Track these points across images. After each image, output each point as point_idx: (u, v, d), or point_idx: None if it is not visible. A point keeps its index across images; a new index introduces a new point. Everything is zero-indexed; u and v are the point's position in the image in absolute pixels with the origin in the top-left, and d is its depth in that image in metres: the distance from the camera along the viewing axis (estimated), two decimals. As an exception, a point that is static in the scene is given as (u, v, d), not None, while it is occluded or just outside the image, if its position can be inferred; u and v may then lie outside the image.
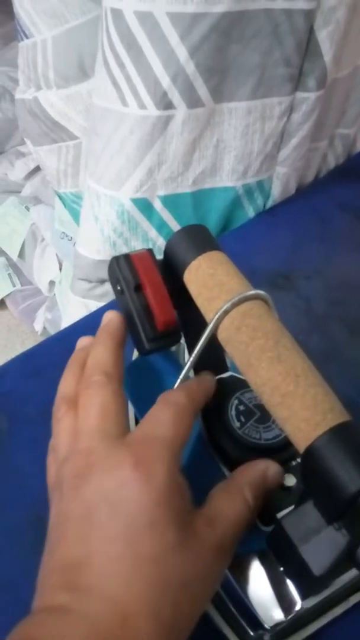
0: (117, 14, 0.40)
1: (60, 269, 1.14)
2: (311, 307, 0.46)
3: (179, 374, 0.29)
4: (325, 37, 0.43)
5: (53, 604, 0.22)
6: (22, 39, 0.68)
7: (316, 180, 0.59)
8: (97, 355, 0.29)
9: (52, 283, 1.16)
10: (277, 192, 0.53)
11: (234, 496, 0.26)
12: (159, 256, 0.55)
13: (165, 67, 0.40)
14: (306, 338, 0.44)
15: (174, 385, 0.28)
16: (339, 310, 0.46)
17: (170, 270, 0.30)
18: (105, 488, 0.24)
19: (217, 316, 0.26)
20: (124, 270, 0.30)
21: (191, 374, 0.32)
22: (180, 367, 0.32)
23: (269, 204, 0.54)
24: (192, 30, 0.39)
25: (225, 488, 0.26)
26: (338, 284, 0.48)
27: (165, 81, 0.41)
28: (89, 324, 0.47)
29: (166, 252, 0.31)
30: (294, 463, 0.30)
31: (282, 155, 0.49)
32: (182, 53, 0.40)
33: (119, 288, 0.31)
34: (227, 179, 0.48)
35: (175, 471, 0.24)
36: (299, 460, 0.30)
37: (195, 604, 0.23)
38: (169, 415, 0.26)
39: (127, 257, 0.30)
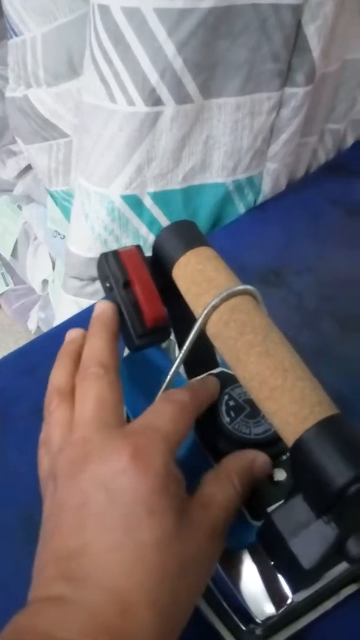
0: (105, 10, 0.40)
1: (54, 268, 1.14)
2: (302, 303, 0.46)
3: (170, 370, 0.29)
4: (313, 32, 0.43)
5: (50, 594, 0.22)
6: (12, 37, 0.67)
7: (306, 176, 0.59)
8: (92, 346, 0.29)
9: (45, 282, 1.16)
10: (267, 188, 0.53)
11: (223, 483, 0.26)
12: (150, 253, 0.55)
13: (153, 63, 0.40)
14: (297, 334, 0.44)
15: (164, 381, 0.28)
16: (330, 306, 0.46)
17: (159, 266, 0.30)
18: (102, 477, 0.24)
19: (205, 311, 0.26)
20: (112, 266, 0.30)
21: (181, 369, 0.32)
22: (170, 363, 0.32)
23: (260, 199, 0.54)
24: (180, 25, 0.39)
25: (215, 476, 0.26)
26: (329, 280, 0.48)
27: (154, 77, 0.41)
28: (81, 321, 0.46)
29: (155, 248, 0.31)
30: (284, 457, 0.30)
31: (272, 151, 0.50)
32: (169, 49, 0.39)
33: (107, 285, 0.31)
34: (217, 175, 0.48)
35: (171, 462, 0.25)
36: (288, 454, 0.30)
37: (191, 591, 0.23)
38: (170, 411, 0.26)
39: (115, 253, 0.30)
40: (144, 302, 0.29)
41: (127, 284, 0.30)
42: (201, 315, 0.27)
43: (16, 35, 0.66)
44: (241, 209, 0.53)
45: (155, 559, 0.22)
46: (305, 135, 0.52)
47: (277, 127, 0.48)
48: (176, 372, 0.29)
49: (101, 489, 0.23)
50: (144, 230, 0.51)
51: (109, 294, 0.31)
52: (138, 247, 0.31)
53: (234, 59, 0.42)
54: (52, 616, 0.21)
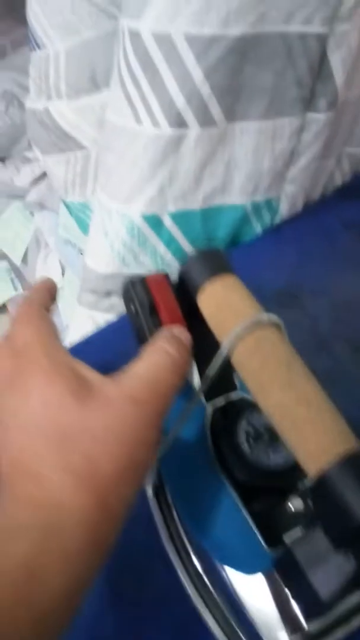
0: (135, 35, 0.40)
1: (63, 275, 1.14)
2: (317, 326, 0.47)
3: (189, 392, 0.29)
4: (337, 60, 0.43)
5: None
6: (35, 49, 0.68)
7: (323, 198, 0.59)
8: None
9: (54, 288, 1.16)
10: (284, 210, 0.53)
11: (149, 353, 0.27)
12: (167, 269, 0.55)
13: (180, 87, 0.41)
14: (312, 356, 0.45)
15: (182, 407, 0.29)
16: (345, 328, 0.47)
17: (185, 292, 0.31)
18: (10, 394, 0.26)
19: (230, 341, 0.27)
20: (139, 292, 0.30)
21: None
22: (189, 385, 0.32)
23: (277, 220, 0.54)
24: (208, 52, 0.39)
25: (141, 354, 0.27)
26: (343, 303, 0.49)
27: (180, 101, 0.41)
28: (97, 341, 0.47)
29: (181, 275, 0.31)
30: (301, 485, 0.30)
31: (291, 174, 0.50)
32: (197, 74, 0.40)
33: (133, 308, 0.31)
34: (236, 196, 0.49)
35: (56, 353, 0.26)
36: (305, 482, 0.30)
37: (110, 449, 0.24)
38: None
39: (142, 279, 0.31)
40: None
41: (153, 310, 0.30)
42: (226, 345, 0.27)
43: (39, 48, 0.67)
44: (258, 229, 0.54)
45: (57, 432, 0.24)
46: (324, 159, 0.53)
47: (298, 151, 0.48)
48: (198, 398, 0.29)
49: (16, 395, 0.25)
50: (161, 248, 0.51)
51: (134, 317, 0.31)
52: (165, 274, 0.31)
53: (259, 84, 0.42)
54: None
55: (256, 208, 0.51)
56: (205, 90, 0.41)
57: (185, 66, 0.40)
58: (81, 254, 1.02)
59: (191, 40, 0.39)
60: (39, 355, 0.26)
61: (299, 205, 0.55)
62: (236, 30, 0.39)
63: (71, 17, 0.61)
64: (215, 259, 0.31)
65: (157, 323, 0.30)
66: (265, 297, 0.48)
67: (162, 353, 0.27)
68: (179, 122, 0.42)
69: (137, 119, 0.43)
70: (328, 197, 0.60)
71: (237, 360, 0.27)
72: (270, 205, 0.52)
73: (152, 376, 0.26)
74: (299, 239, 0.54)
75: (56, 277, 1.15)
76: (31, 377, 0.25)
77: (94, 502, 0.23)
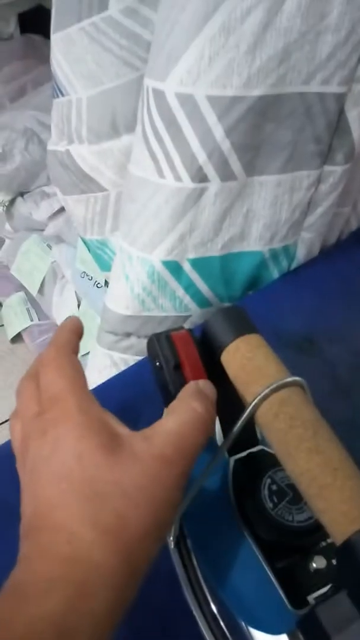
0: (159, 94, 0.42)
1: (79, 307, 1.16)
2: (335, 372, 0.47)
3: (212, 445, 0.30)
4: (355, 117, 0.45)
5: (18, 558, 0.24)
6: (58, 96, 0.71)
7: (339, 242, 0.60)
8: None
9: (69, 319, 1.18)
10: (301, 255, 0.54)
11: (177, 411, 0.27)
12: (186, 312, 0.56)
13: (202, 144, 0.42)
14: (331, 404, 0.45)
15: (204, 462, 0.29)
16: (363, 376, 0.47)
17: (208, 350, 0.31)
18: (40, 444, 0.26)
19: (255, 402, 0.27)
20: (164, 348, 0.31)
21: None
22: (212, 441, 0.33)
23: (293, 265, 0.55)
24: (230, 111, 0.41)
25: (169, 410, 0.28)
26: (361, 349, 0.49)
27: (202, 157, 0.43)
28: (117, 383, 0.48)
29: (204, 332, 0.32)
30: (323, 544, 0.30)
31: (308, 222, 0.51)
32: (219, 132, 0.42)
33: (157, 364, 0.32)
34: (255, 244, 0.50)
35: (89, 405, 0.27)
36: (329, 541, 0.30)
37: (139, 508, 0.24)
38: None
39: (168, 336, 0.31)
40: (193, 386, 0.30)
41: (177, 366, 0.31)
42: (250, 405, 0.28)
43: (62, 95, 0.69)
44: (275, 274, 0.55)
45: (87, 490, 0.24)
46: (340, 206, 0.54)
47: (315, 201, 0.49)
48: (221, 456, 0.30)
49: (47, 446, 0.26)
50: (180, 292, 0.52)
51: (158, 372, 0.32)
52: (189, 331, 0.32)
53: (278, 140, 0.44)
54: (15, 574, 0.23)
55: (274, 254, 0.52)
56: (225, 146, 0.42)
57: (207, 124, 0.42)
58: (97, 286, 1.04)
59: (213, 100, 0.41)
60: (71, 408, 0.27)
61: (316, 251, 0.56)
62: (257, 91, 0.40)
63: (94, 67, 0.63)
64: (239, 317, 0.32)
65: (181, 379, 0.31)
66: (283, 343, 0.49)
67: (189, 410, 0.27)
68: (201, 177, 0.44)
69: (160, 173, 0.45)
70: (344, 241, 0.61)
71: (262, 421, 0.28)
72: (288, 251, 0.53)
73: (180, 434, 0.26)
74: (315, 283, 0.55)
75: (72, 308, 1.17)
76: (64, 430, 0.26)
77: (121, 562, 0.23)
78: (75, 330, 0.32)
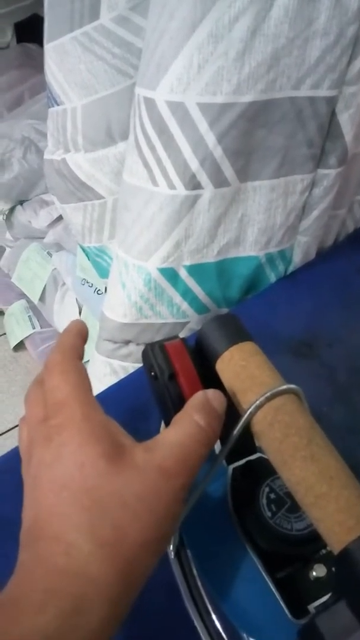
0: (150, 103, 0.42)
1: (80, 314, 1.16)
2: (334, 376, 0.47)
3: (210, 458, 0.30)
4: (346, 120, 0.45)
5: (16, 567, 0.24)
6: (53, 106, 0.71)
7: (335, 245, 0.60)
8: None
9: (71, 326, 1.18)
10: (297, 259, 0.54)
11: (180, 423, 0.27)
12: (183, 319, 0.56)
13: (194, 151, 0.42)
14: (329, 408, 0.45)
15: (203, 470, 0.29)
16: (362, 378, 0.47)
17: (203, 358, 0.31)
18: (44, 450, 0.26)
19: (249, 410, 0.27)
20: (158, 358, 0.31)
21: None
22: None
23: (290, 269, 0.55)
24: (221, 118, 0.41)
25: (173, 422, 0.28)
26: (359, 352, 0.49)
27: (194, 164, 0.43)
28: (117, 392, 0.48)
29: (198, 341, 0.32)
30: (323, 551, 0.30)
31: (303, 226, 0.51)
32: (210, 139, 0.42)
33: (152, 374, 0.32)
34: (250, 249, 0.50)
35: (93, 412, 0.27)
36: (328, 549, 0.30)
37: (138, 519, 0.24)
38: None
39: (162, 346, 0.31)
40: (188, 395, 0.30)
41: (172, 376, 0.31)
42: (245, 414, 0.27)
43: (57, 104, 0.69)
44: (272, 278, 0.55)
45: (87, 500, 0.24)
46: (335, 209, 0.54)
47: (309, 205, 0.49)
48: (219, 465, 0.29)
49: (51, 453, 0.26)
50: (177, 298, 0.52)
51: (154, 382, 0.32)
52: (183, 340, 0.32)
53: (270, 145, 0.44)
54: (11, 583, 0.23)
55: (270, 258, 0.52)
56: (218, 153, 0.42)
57: (199, 132, 0.42)
58: (97, 293, 1.04)
59: (204, 108, 0.41)
60: (76, 414, 0.26)
61: (312, 254, 0.56)
62: (247, 97, 0.40)
63: (88, 76, 0.63)
64: (232, 325, 0.32)
65: (177, 389, 0.31)
66: (281, 346, 0.49)
67: (192, 423, 0.27)
68: (194, 184, 0.44)
69: (153, 181, 0.45)
70: (340, 243, 0.60)
71: (257, 430, 0.28)
72: (284, 255, 0.53)
73: (182, 447, 0.26)
74: (313, 286, 0.55)
75: (73, 315, 1.17)
76: (68, 436, 0.26)
77: (118, 576, 0.23)
78: (80, 334, 0.32)
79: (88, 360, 0.74)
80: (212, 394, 0.29)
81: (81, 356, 0.31)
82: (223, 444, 0.29)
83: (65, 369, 0.29)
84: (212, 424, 0.27)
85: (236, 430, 0.28)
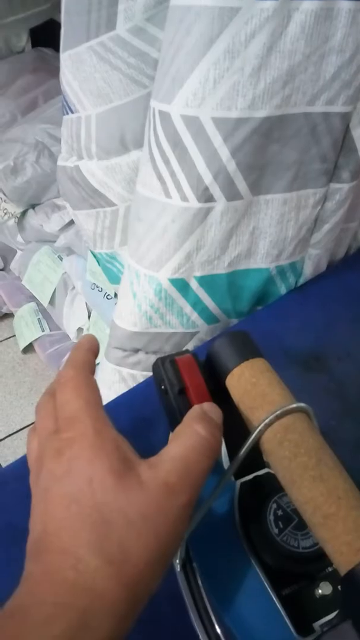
0: (165, 116, 0.43)
1: (89, 317, 1.17)
2: (343, 390, 0.47)
3: (218, 468, 0.30)
4: (360, 135, 0.45)
5: (23, 577, 0.25)
6: (67, 113, 0.72)
7: (346, 257, 0.60)
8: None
9: (80, 330, 1.19)
10: (308, 271, 0.54)
11: (182, 436, 0.27)
12: (193, 329, 0.56)
13: (208, 165, 0.43)
14: (338, 423, 0.45)
15: (211, 484, 0.29)
16: (371, 393, 0.47)
17: (213, 373, 0.32)
18: (55, 463, 0.27)
19: (259, 428, 0.28)
20: (169, 372, 0.31)
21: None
22: (219, 463, 0.33)
23: (301, 281, 0.55)
24: (235, 133, 0.41)
25: (175, 435, 0.28)
26: (369, 366, 0.49)
27: (208, 178, 0.43)
28: (127, 401, 0.48)
29: (209, 356, 0.32)
30: (329, 569, 0.30)
31: (315, 239, 0.51)
32: (224, 153, 0.42)
33: (163, 388, 0.32)
34: (261, 261, 0.50)
35: (103, 427, 0.27)
36: (334, 567, 0.30)
37: (142, 538, 0.24)
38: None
39: (172, 360, 0.32)
40: (198, 410, 0.31)
41: (182, 391, 0.31)
42: (255, 431, 0.28)
43: (72, 112, 0.70)
44: (282, 290, 0.55)
45: (96, 517, 0.24)
46: (347, 222, 0.54)
47: (321, 218, 0.49)
48: (228, 480, 0.30)
49: (61, 466, 0.26)
50: (187, 309, 0.53)
51: (164, 396, 0.32)
52: (194, 355, 0.32)
53: (283, 160, 0.44)
54: (19, 593, 0.24)
55: (281, 271, 0.52)
56: (231, 167, 0.43)
57: (213, 146, 0.42)
58: (107, 298, 1.04)
59: (218, 122, 0.41)
60: (88, 429, 0.27)
61: (323, 266, 0.56)
62: (262, 112, 0.41)
63: (103, 85, 0.64)
64: (243, 341, 0.32)
65: (186, 403, 0.31)
66: (291, 360, 0.49)
67: (193, 434, 0.27)
68: (207, 197, 0.44)
69: (167, 194, 0.45)
70: (352, 256, 0.60)
71: (266, 448, 0.28)
72: (295, 267, 0.53)
73: (185, 460, 0.26)
74: (323, 299, 0.55)
75: (83, 319, 1.18)
76: (79, 450, 0.26)
77: (124, 592, 0.24)
78: (92, 349, 0.33)
79: (98, 363, 0.74)
80: (207, 406, 0.29)
81: (93, 371, 0.31)
82: (232, 458, 0.29)
83: (77, 384, 0.29)
84: (213, 432, 0.27)
85: (245, 447, 0.28)
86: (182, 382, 0.31)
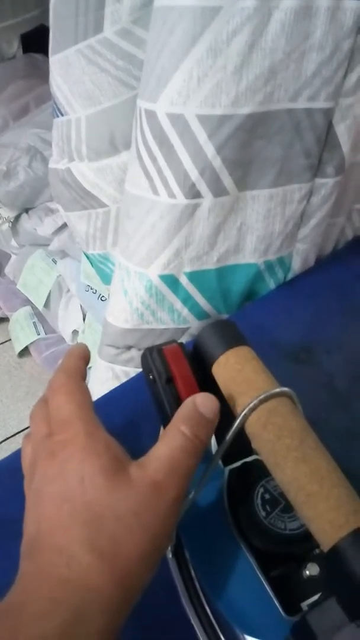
0: (151, 115, 0.44)
1: (84, 320, 1.17)
2: (333, 383, 0.48)
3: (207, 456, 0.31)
4: (343, 131, 0.46)
5: (17, 576, 0.25)
6: (57, 116, 0.72)
7: (334, 252, 0.61)
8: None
9: (75, 332, 1.20)
10: (296, 266, 0.55)
11: (168, 436, 0.28)
12: (184, 324, 0.57)
13: (194, 162, 0.43)
14: (329, 415, 0.46)
15: (199, 472, 0.30)
16: (360, 385, 0.48)
17: (200, 362, 0.32)
18: (48, 464, 0.28)
19: (244, 412, 0.28)
20: (156, 362, 0.32)
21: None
22: (208, 450, 0.34)
23: (289, 276, 0.56)
24: (219, 129, 0.42)
25: (162, 435, 0.29)
26: (359, 359, 0.50)
27: (194, 174, 0.44)
28: (118, 396, 0.49)
29: (196, 345, 0.33)
30: (317, 551, 0.31)
31: (302, 234, 0.52)
32: (209, 150, 0.43)
33: (151, 377, 0.33)
34: (250, 256, 0.51)
35: (95, 430, 0.28)
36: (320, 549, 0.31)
37: (133, 534, 0.25)
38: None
39: (159, 350, 0.32)
40: (185, 398, 0.31)
41: (169, 380, 0.32)
42: (240, 416, 0.28)
43: (62, 115, 0.71)
44: (271, 285, 0.56)
45: (86, 514, 0.25)
46: (334, 217, 0.55)
47: (307, 213, 0.50)
48: (215, 466, 0.30)
49: (54, 467, 0.27)
50: (178, 305, 0.53)
51: (152, 385, 0.33)
52: (180, 345, 0.33)
53: (268, 156, 0.45)
54: (14, 591, 0.24)
55: (269, 266, 0.53)
56: (217, 163, 0.43)
57: (198, 143, 0.43)
58: (101, 299, 1.05)
59: (203, 119, 0.42)
60: (80, 431, 0.28)
61: (311, 261, 0.57)
62: (245, 109, 0.41)
63: (92, 87, 0.65)
64: (229, 330, 0.33)
65: (174, 392, 0.32)
66: (281, 354, 0.50)
67: (178, 435, 0.28)
68: (194, 194, 0.45)
69: (154, 191, 0.46)
70: (339, 250, 0.61)
71: (251, 432, 0.28)
72: (283, 262, 0.54)
73: (170, 459, 0.27)
74: (312, 293, 0.56)
75: (78, 322, 1.19)
76: (72, 451, 0.27)
77: (116, 587, 0.24)
78: (83, 357, 0.34)
79: (91, 367, 0.75)
80: (200, 399, 0.29)
81: (84, 377, 0.32)
82: (219, 445, 0.30)
83: (69, 389, 0.30)
84: (198, 433, 0.28)
85: (230, 432, 0.29)
86: (170, 372, 0.32)
